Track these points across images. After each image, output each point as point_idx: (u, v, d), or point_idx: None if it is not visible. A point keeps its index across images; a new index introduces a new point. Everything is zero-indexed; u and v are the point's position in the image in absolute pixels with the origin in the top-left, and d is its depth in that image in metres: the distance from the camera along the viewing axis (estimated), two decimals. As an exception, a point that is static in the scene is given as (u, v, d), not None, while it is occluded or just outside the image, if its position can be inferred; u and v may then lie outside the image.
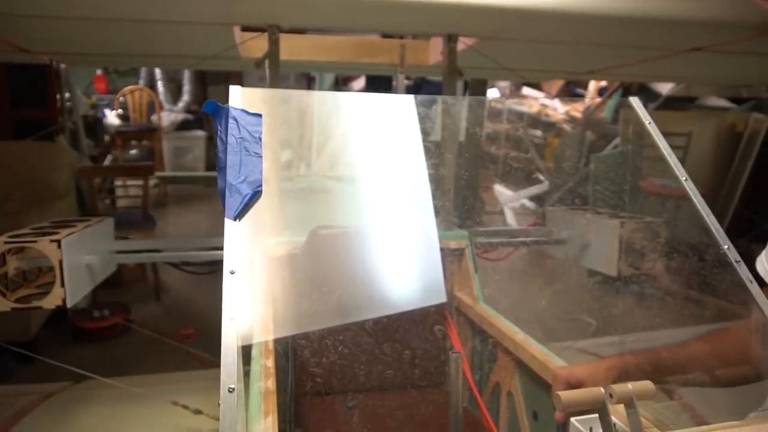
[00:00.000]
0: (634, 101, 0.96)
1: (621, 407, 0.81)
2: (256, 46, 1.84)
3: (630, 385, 0.79)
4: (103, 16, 1.35)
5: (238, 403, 0.62)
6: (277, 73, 1.43)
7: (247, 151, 0.72)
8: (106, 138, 5.29)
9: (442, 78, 1.57)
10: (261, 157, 0.73)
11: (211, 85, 7.85)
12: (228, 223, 0.68)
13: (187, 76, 7.03)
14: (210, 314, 3.53)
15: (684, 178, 0.86)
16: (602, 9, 1.31)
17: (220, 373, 1.88)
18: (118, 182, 5.23)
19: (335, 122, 1.43)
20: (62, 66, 3.61)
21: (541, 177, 7.26)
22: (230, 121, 0.75)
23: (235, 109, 0.78)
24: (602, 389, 0.79)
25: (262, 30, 1.54)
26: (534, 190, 6.80)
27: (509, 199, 6.38)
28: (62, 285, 1.27)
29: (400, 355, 1.47)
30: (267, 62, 1.45)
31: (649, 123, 0.92)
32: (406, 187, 1.54)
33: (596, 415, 0.82)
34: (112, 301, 3.36)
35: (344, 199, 1.88)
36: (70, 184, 3.47)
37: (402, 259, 1.46)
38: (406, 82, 6.44)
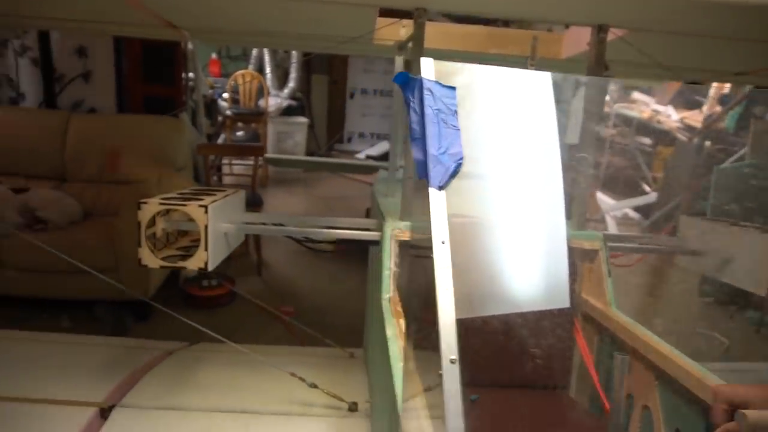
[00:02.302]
0: None
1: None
2: (389, 31, 1.84)
3: (827, 413, 0.71)
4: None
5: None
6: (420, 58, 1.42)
7: (445, 123, 0.71)
8: (219, 118, 5.57)
9: (587, 72, 1.49)
10: (458, 129, 0.72)
11: (314, 74, 8.08)
12: (433, 192, 0.67)
13: (294, 64, 7.26)
14: (308, 294, 3.64)
15: None
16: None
17: (332, 351, 1.90)
18: (224, 161, 5.50)
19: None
20: (189, 47, 3.82)
21: (647, 188, 6.87)
22: (425, 92, 0.74)
23: (429, 80, 0.77)
24: (795, 413, 0.71)
25: (402, 14, 1.52)
26: (639, 200, 6.44)
27: (612, 208, 6.08)
28: (206, 249, 1.33)
29: (522, 354, 1.42)
30: (410, 46, 1.44)
31: None
32: (538, 178, 1.48)
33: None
34: (217, 273, 3.53)
35: (474, 187, 1.85)
36: (189, 159, 3.68)
37: (529, 257, 1.41)
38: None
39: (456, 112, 0.74)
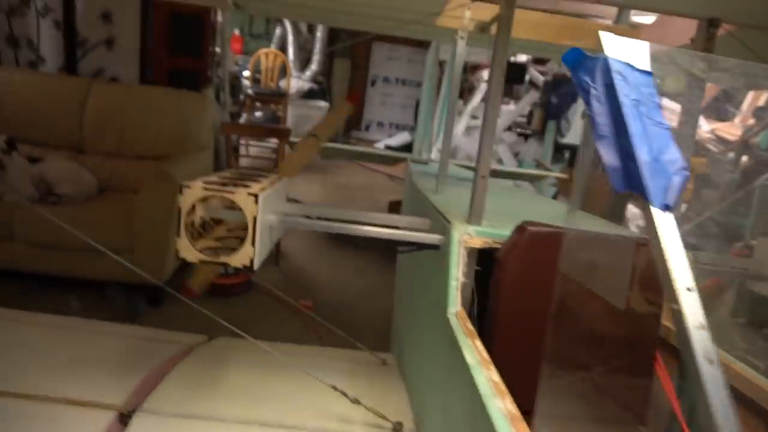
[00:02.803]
0: None
1: None
2: (454, 14, 1.67)
3: None
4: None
5: None
6: (506, 42, 1.24)
7: (649, 118, 0.55)
8: (241, 97, 5.40)
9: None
10: (668, 129, 0.55)
11: (337, 57, 7.88)
12: (659, 216, 0.51)
13: (318, 47, 7.06)
14: (327, 287, 3.48)
15: None
16: None
17: (361, 355, 1.72)
18: (242, 141, 5.32)
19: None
20: (219, 19, 3.64)
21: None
22: (616, 76, 0.57)
23: (618, 61, 0.60)
24: None
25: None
26: (666, 209, 6.26)
27: (635, 217, 5.90)
28: (252, 244, 1.17)
29: (595, 382, 1.26)
30: (494, 28, 1.27)
31: None
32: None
33: None
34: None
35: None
36: (211, 137, 3.51)
37: (619, 283, 1.25)
38: (541, 78, 5.99)
39: (659, 105, 0.57)
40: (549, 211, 1.93)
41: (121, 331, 2.09)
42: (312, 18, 3.21)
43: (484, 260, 1.31)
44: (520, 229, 1.23)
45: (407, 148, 7.47)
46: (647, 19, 5.89)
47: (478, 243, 1.25)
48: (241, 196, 1.16)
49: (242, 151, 5.39)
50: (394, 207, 4.51)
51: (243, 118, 5.24)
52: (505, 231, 1.26)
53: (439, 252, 1.39)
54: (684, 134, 1.36)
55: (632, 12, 4.53)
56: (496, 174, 4.10)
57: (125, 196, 3.03)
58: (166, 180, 2.73)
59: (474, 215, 1.28)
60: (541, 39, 1.81)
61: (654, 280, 1.28)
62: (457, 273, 1.22)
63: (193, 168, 3.10)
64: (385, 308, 3.28)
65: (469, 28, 1.79)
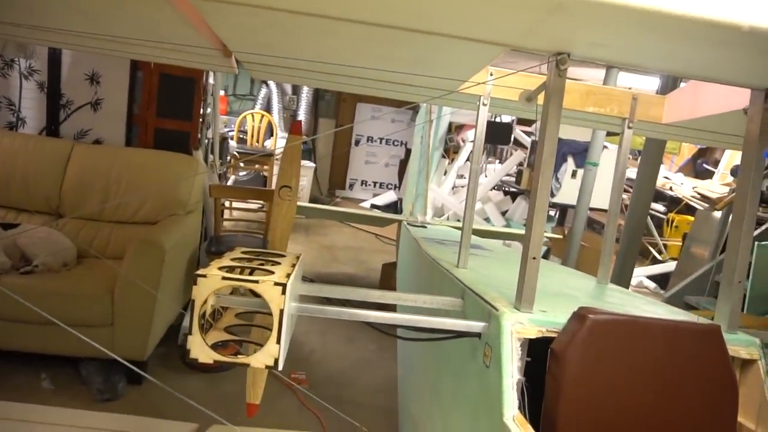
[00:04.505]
0: None
1: None
2: (477, 79, 1.58)
3: None
4: (340, 15, 1.11)
5: None
6: (557, 114, 1.14)
7: None
8: (228, 158, 5.28)
9: (743, 145, 1.23)
10: None
11: (322, 118, 7.89)
12: None
13: (303, 107, 7.06)
14: (320, 358, 3.26)
15: None
16: None
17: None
18: (225, 203, 5.15)
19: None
20: (210, 81, 3.56)
21: (659, 256, 6.67)
22: None
23: None
24: None
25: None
26: (656, 268, 6.22)
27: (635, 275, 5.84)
28: (278, 341, 1.00)
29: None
30: (543, 97, 1.17)
31: None
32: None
33: None
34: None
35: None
36: (200, 200, 3.35)
37: (691, 375, 1.11)
38: (527, 138, 5.95)
39: None
40: (578, 284, 1.80)
41: (100, 422, 1.85)
42: (322, 84, 3.14)
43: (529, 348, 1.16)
44: (579, 316, 1.09)
45: (393, 206, 7.40)
46: (631, 80, 6.03)
47: (532, 333, 1.10)
48: (266, 286, 1.00)
49: (225, 213, 5.21)
50: (388, 270, 4.36)
51: (231, 180, 5.10)
52: (561, 318, 1.12)
53: (473, 339, 1.24)
54: None
55: (619, 74, 4.61)
56: (487, 234, 3.99)
57: (106, 263, 2.82)
58: (154, 246, 2.54)
59: (524, 301, 1.14)
60: (565, 106, 1.73)
61: (727, 368, 1.15)
62: (512, 369, 1.06)
63: (182, 233, 2.92)
64: (383, 382, 3.07)
65: (492, 94, 1.71)
